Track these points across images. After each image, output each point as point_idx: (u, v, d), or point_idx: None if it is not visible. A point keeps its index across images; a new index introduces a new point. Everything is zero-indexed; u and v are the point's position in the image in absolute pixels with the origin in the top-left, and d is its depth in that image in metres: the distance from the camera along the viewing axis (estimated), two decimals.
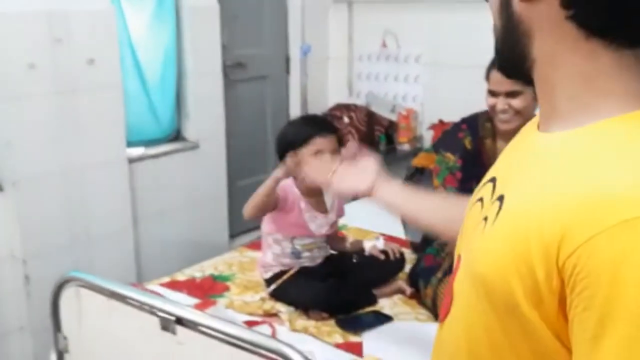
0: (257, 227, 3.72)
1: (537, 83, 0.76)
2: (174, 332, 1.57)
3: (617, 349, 0.59)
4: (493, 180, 0.82)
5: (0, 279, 2.69)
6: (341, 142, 2.15)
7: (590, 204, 0.61)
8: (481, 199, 0.82)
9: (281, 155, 2.12)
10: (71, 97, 2.75)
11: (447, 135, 2.29)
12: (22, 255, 2.68)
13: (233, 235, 3.74)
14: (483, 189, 0.84)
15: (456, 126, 2.27)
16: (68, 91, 2.74)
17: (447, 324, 0.83)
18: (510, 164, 0.81)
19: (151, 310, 1.61)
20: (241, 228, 3.78)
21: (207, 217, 3.55)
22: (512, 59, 0.77)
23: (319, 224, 2.17)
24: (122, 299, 1.69)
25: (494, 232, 0.72)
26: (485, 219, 0.76)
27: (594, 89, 0.70)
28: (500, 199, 0.74)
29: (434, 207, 1.27)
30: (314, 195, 2.15)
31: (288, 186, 2.15)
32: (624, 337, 0.59)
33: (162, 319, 1.59)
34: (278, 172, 2.01)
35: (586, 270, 0.60)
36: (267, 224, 2.20)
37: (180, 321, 1.56)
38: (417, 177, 2.42)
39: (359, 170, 1.36)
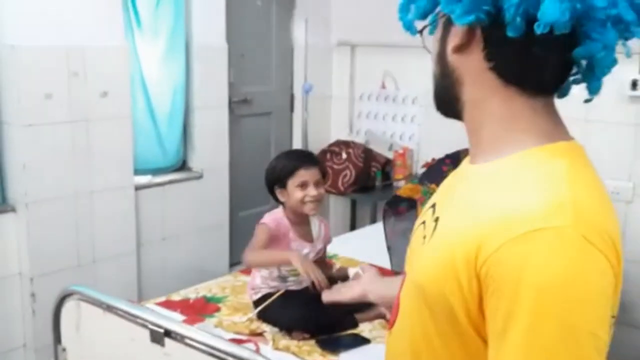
0: None
1: (466, 123, 0.91)
2: (162, 344, 1.71)
3: (519, 342, 0.71)
4: (433, 205, 0.96)
5: (7, 296, 2.85)
6: (324, 174, 2.33)
7: (499, 219, 0.75)
8: (424, 222, 0.96)
9: (270, 188, 2.29)
10: (84, 126, 2.95)
11: (432, 169, 2.45)
12: (29, 273, 2.84)
13: (233, 264, 3.87)
14: (426, 213, 0.97)
15: (441, 161, 2.43)
16: (81, 121, 2.93)
17: (394, 330, 0.96)
18: (446, 192, 0.96)
19: (143, 323, 1.76)
20: (241, 257, 3.92)
21: (209, 245, 3.69)
22: (447, 101, 0.92)
23: (305, 253, 2.31)
24: (117, 312, 1.83)
25: (429, 247, 0.86)
26: (424, 237, 0.89)
27: (511, 128, 0.85)
28: (436, 220, 0.89)
29: None
30: (301, 224, 2.31)
31: (279, 217, 2.30)
32: (524, 331, 0.71)
33: (152, 332, 1.73)
34: (297, 261, 2.11)
35: (497, 274, 0.73)
36: None
37: (168, 334, 1.70)
38: (412, 208, 2.57)
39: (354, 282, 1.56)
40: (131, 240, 3.24)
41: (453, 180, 0.97)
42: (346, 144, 3.97)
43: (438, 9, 0.89)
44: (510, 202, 0.76)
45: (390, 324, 0.99)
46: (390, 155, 4.05)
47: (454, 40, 0.86)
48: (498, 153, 0.85)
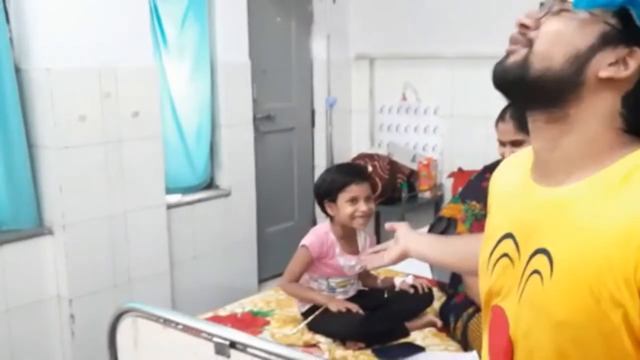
0: None
1: (554, 135, 0.85)
2: (228, 356, 1.71)
3: None
4: (510, 236, 0.91)
5: (46, 318, 2.84)
6: (374, 190, 2.33)
7: None
8: (507, 255, 0.91)
9: (319, 201, 2.30)
10: (117, 147, 2.96)
11: (472, 185, 2.42)
12: (68, 295, 2.83)
13: (262, 280, 3.87)
14: (503, 245, 0.92)
15: (480, 176, 2.40)
16: (114, 141, 2.95)
17: None
18: (527, 221, 0.88)
19: (206, 336, 1.75)
20: (269, 273, 3.92)
21: (238, 262, 3.69)
22: (543, 92, 0.84)
23: (351, 265, 2.31)
24: (177, 326, 1.83)
25: (559, 282, 0.80)
26: (538, 272, 0.83)
27: (607, 154, 0.83)
28: (544, 252, 0.83)
29: (452, 250, 1.42)
30: (348, 237, 2.31)
31: (324, 233, 2.29)
32: None
33: (217, 344, 1.73)
34: (332, 305, 2.17)
35: None
36: None
37: (233, 345, 1.70)
38: (451, 227, 2.55)
39: (391, 243, 1.49)
40: (165, 260, 3.24)
41: (528, 208, 0.89)
42: (370, 157, 3.98)
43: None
44: None
45: None
46: (413, 166, 4.06)
47: (611, 58, 0.81)
48: (590, 170, 0.82)
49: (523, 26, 0.85)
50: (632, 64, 0.80)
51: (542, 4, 0.86)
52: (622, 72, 0.81)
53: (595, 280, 0.75)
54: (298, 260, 2.28)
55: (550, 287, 0.81)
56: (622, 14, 0.80)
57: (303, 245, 2.28)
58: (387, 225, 1.57)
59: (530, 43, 0.84)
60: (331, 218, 2.31)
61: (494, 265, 0.94)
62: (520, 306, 0.86)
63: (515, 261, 0.89)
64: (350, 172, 2.28)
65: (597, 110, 0.82)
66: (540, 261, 0.82)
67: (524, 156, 0.99)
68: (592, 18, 0.81)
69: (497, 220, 0.98)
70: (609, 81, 0.81)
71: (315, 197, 2.33)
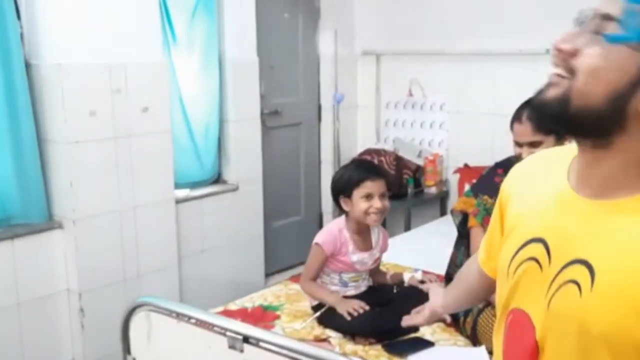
0: (291, 267, 3.92)
1: (599, 157, 0.83)
2: (241, 350, 1.73)
3: None
4: (540, 240, 0.89)
5: (56, 312, 2.87)
6: (389, 187, 2.36)
7: None
8: (534, 259, 0.89)
9: (335, 197, 2.32)
10: (127, 142, 2.98)
11: (484, 180, 2.44)
12: (77, 288, 2.86)
13: (268, 275, 3.90)
14: (531, 249, 0.90)
15: (492, 171, 2.42)
16: (124, 137, 2.97)
17: None
18: (565, 229, 0.86)
19: (219, 330, 1.78)
20: (276, 267, 3.95)
21: (245, 256, 3.72)
22: (585, 126, 0.82)
23: (364, 262, 2.33)
24: (190, 320, 1.85)
25: (600, 296, 0.79)
26: (575, 283, 0.82)
27: None
28: (583, 263, 0.82)
29: (463, 292, 1.42)
30: (362, 232, 2.33)
31: (337, 231, 2.32)
32: None
33: (230, 338, 1.75)
34: (340, 308, 2.20)
35: None
36: None
37: (246, 340, 1.72)
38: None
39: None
40: (173, 254, 3.26)
41: (567, 217, 0.87)
42: (377, 152, 4.00)
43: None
44: None
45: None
46: (419, 162, 4.08)
47: None
48: (635, 188, 0.82)
49: (561, 51, 0.83)
50: None
51: (577, 19, 0.83)
52: None
53: None
54: (313, 258, 2.32)
55: (590, 300, 0.80)
56: None
57: (316, 244, 2.31)
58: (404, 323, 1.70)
59: (571, 72, 0.82)
60: (346, 214, 2.33)
61: (517, 267, 0.92)
62: (549, 313, 0.85)
63: (545, 267, 0.87)
64: (366, 169, 2.31)
65: None
66: (578, 272, 0.82)
67: (554, 157, 0.97)
68: (631, 51, 0.78)
69: (522, 222, 0.95)
70: None
71: (331, 192, 2.36)
